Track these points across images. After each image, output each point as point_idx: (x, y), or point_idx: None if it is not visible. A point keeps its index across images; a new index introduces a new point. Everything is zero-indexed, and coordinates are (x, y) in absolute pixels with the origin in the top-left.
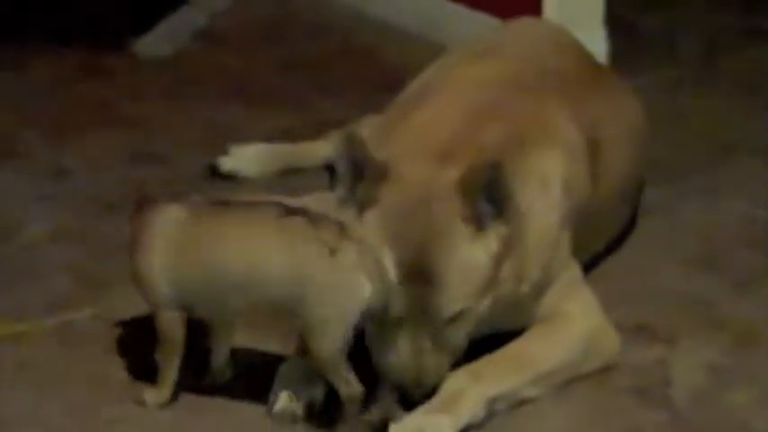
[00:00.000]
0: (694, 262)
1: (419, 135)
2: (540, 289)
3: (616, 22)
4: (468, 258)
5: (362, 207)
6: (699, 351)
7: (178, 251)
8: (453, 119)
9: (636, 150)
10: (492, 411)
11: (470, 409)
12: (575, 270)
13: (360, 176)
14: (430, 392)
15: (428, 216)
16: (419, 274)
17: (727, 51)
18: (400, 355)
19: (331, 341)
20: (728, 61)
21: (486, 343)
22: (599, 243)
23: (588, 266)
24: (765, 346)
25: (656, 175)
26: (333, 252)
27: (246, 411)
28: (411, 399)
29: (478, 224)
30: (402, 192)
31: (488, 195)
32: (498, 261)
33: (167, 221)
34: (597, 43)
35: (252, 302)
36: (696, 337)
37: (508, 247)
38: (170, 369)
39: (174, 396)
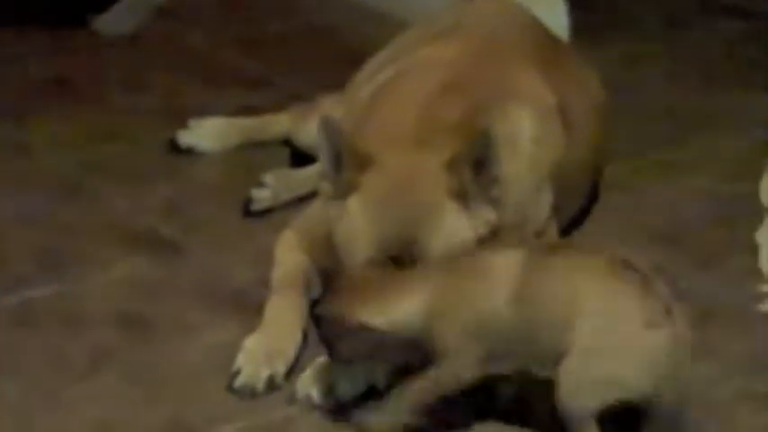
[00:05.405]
0: (656, 237)
1: (392, 123)
2: None
3: None
4: (455, 233)
5: (345, 194)
6: None
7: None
8: (419, 104)
9: (596, 124)
10: None
11: None
12: (552, 232)
13: (340, 165)
14: None
15: (413, 194)
16: (405, 252)
17: (687, 26)
18: None
19: None
20: (688, 36)
21: None
22: (567, 211)
23: None
24: (726, 319)
25: (617, 150)
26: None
27: (208, 386)
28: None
29: (466, 202)
30: (385, 177)
31: (476, 170)
32: (482, 243)
33: None
34: (558, 17)
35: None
36: None
37: (494, 233)
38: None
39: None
